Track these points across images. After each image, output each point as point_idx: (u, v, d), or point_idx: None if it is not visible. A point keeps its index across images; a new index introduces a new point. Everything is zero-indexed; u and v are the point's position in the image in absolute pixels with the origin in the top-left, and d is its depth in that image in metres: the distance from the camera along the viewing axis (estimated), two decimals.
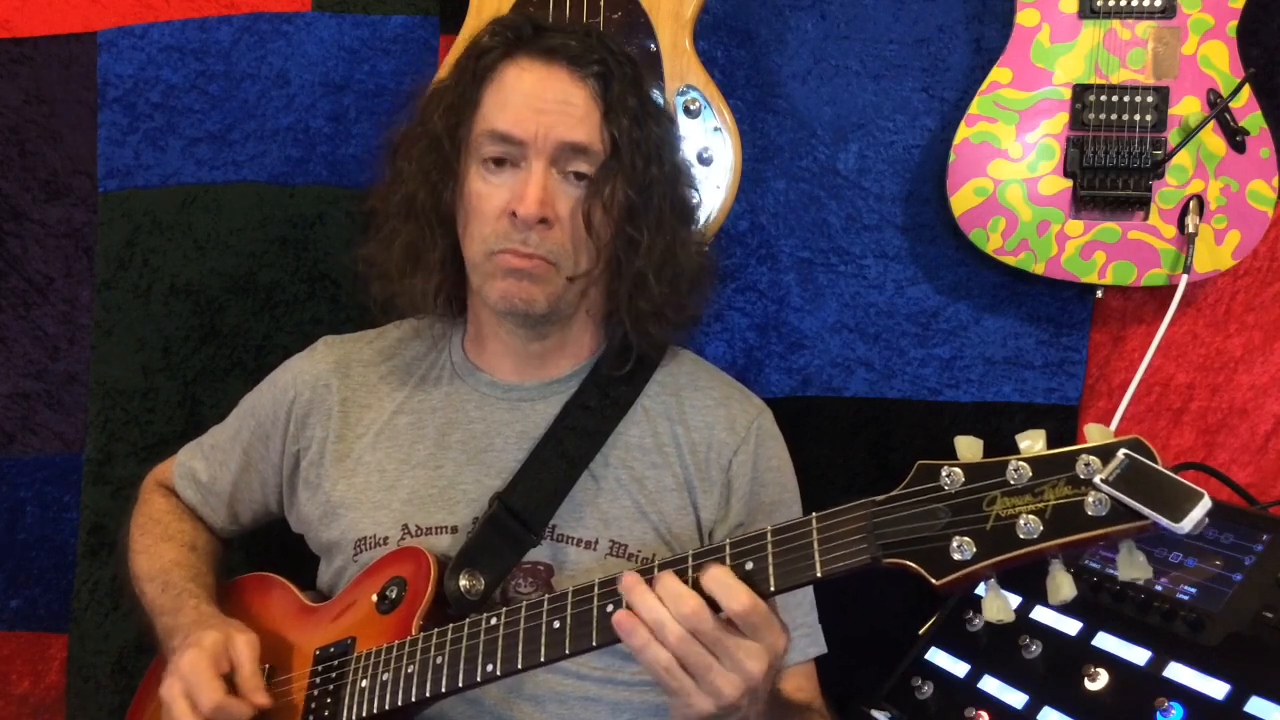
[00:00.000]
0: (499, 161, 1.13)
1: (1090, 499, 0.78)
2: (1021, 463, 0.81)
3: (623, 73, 1.16)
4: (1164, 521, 0.75)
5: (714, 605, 0.89)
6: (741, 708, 0.90)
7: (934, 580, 0.82)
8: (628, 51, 1.21)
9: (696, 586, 0.89)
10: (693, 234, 1.26)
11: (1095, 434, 0.81)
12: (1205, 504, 0.74)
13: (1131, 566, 0.79)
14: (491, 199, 1.13)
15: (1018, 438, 0.83)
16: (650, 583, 0.91)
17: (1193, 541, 1.18)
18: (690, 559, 0.92)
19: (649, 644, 0.89)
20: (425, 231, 1.19)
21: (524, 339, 1.21)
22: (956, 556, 0.82)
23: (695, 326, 1.35)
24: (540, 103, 1.12)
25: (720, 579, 0.88)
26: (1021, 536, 0.80)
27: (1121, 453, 0.78)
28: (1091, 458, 0.79)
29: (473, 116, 1.15)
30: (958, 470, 0.84)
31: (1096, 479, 0.78)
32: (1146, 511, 0.76)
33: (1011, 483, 0.81)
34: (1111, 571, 1.20)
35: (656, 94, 1.24)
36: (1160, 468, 0.77)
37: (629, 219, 1.16)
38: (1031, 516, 0.80)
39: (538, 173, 1.11)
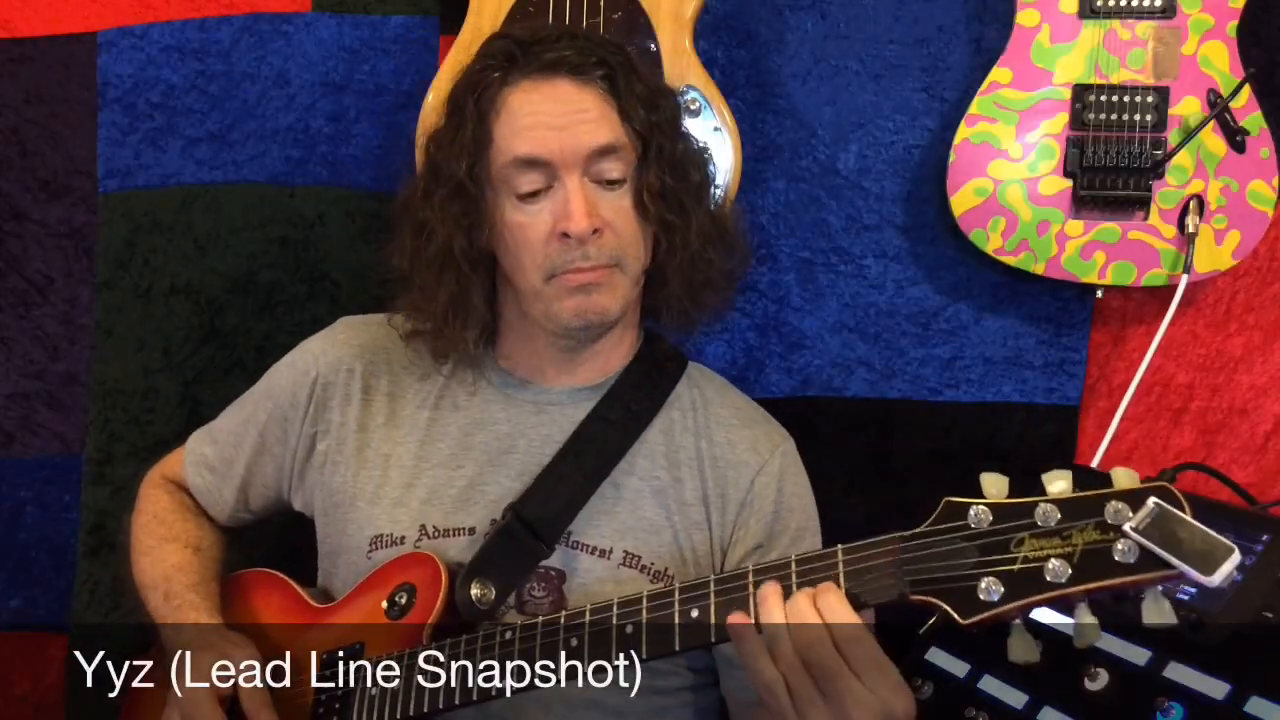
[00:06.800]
0: (533, 194, 1.12)
1: (1119, 545, 0.78)
2: (1049, 505, 0.81)
3: (622, 64, 1.16)
4: (1194, 574, 0.75)
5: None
6: None
7: (962, 620, 0.82)
8: (618, 42, 1.21)
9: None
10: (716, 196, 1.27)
11: (1123, 479, 0.81)
12: (1235, 558, 0.74)
13: (1157, 614, 0.79)
14: (535, 226, 1.11)
15: (1044, 478, 0.83)
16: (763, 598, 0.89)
17: None
18: (751, 573, 0.91)
19: (758, 656, 0.87)
20: (467, 279, 1.17)
21: (572, 349, 1.21)
22: (984, 597, 0.82)
23: (733, 292, 1.33)
24: (555, 119, 1.11)
25: (830, 602, 0.86)
26: (1049, 579, 0.80)
27: (1152, 501, 0.78)
28: (1120, 504, 0.79)
29: (488, 153, 1.13)
30: (985, 509, 0.84)
31: (1126, 526, 0.78)
32: (1176, 563, 0.76)
33: (1040, 525, 0.81)
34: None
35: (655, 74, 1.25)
36: (1189, 519, 0.77)
37: (675, 201, 1.17)
38: (1059, 560, 0.80)
39: (574, 187, 1.10)
